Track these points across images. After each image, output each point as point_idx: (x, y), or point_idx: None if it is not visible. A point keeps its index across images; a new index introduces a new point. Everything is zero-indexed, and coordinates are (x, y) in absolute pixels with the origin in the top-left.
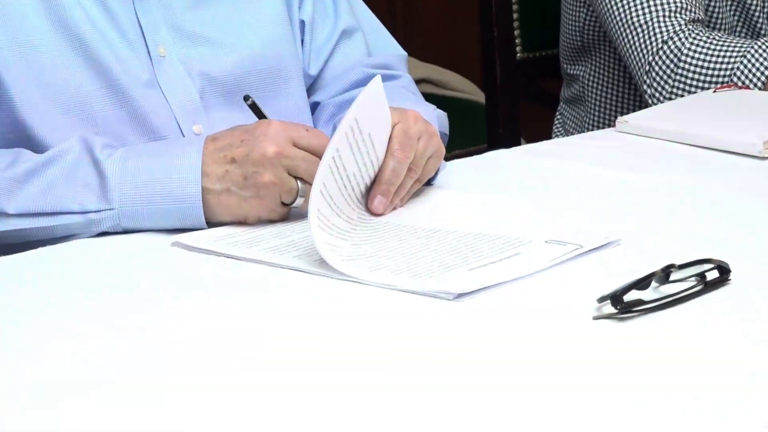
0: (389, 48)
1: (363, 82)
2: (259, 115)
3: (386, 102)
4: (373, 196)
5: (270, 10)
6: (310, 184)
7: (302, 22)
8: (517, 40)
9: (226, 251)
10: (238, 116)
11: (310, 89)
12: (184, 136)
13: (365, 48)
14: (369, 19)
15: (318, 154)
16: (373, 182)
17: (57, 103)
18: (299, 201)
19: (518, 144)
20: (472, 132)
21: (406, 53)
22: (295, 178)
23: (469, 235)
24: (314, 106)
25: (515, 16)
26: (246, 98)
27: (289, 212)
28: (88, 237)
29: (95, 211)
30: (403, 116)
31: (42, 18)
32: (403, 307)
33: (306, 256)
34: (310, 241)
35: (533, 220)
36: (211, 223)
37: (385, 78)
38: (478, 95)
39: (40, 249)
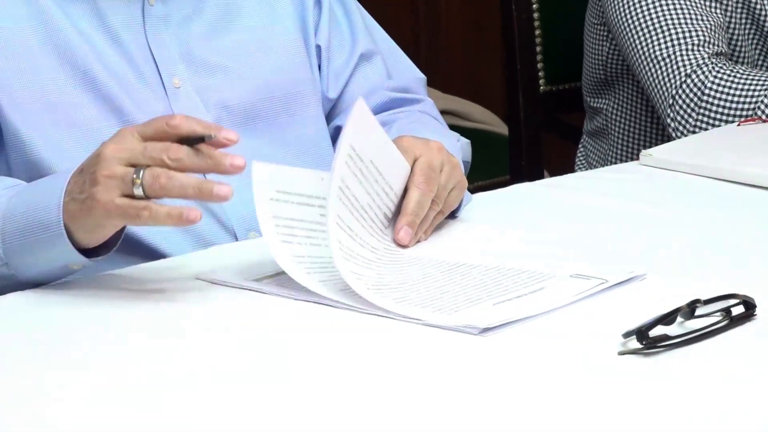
0: (408, 71)
1: (386, 106)
2: None
3: (378, 124)
4: (399, 227)
5: (284, 36)
6: (156, 166)
7: (318, 47)
8: (540, 73)
9: (251, 285)
10: (255, 144)
11: (331, 113)
12: None
13: (385, 71)
14: (387, 43)
15: (164, 138)
16: (395, 213)
17: (70, 142)
18: (138, 188)
19: (541, 177)
20: (495, 163)
21: (424, 76)
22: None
23: (494, 269)
24: (337, 130)
25: (538, 49)
26: None
27: (150, 213)
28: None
29: None
30: (426, 148)
31: (50, 57)
32: (426, 340)
33: (332, 288)
34: (332, 275)
35: (557, 254)
36: (85, 251)
37: (407, 101)
38: (500, 127)
39: (65, 282)
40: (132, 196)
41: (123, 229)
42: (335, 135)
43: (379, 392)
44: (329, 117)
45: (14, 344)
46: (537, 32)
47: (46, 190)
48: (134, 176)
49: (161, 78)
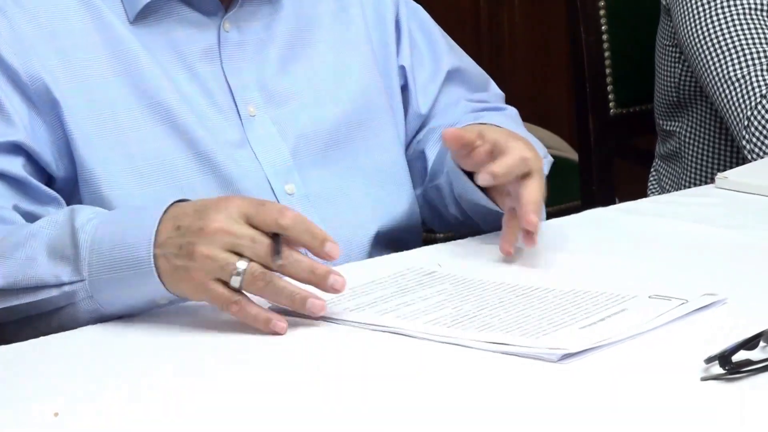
0: (489, 87)
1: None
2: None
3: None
4: (528, 214)
5: (359, 60)
6: (256, 263)
7: (402, 68)
8: (610, 96)
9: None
10: (332, 171)
11: (422, 127)
12: (276, 196)
13: (469, 86)
14: (468, 60)
15: (270, 232)
16: None
17: (143, 175)
18: (235, 281)
19: (612, 202)
20: (564, 188)
21: (502, 93)
22: (241, 256)
23: (570, 292)
24: (422, 155)
25: (608, 71)
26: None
27: (239, 309)
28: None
29: (69, 283)
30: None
31: (125, 87)
32: (504, 369)
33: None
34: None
35: (634, 278)
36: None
37: (491, 109)
38: (568, 151)
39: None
40: (226, 283)
41: None
42: (417, 158)
43: (463, 422)
44: (419, 131)
45: (99, 375)
46: (606, 54)
47: (134, 225)
48: (235, 269)
49: (236, 106)
